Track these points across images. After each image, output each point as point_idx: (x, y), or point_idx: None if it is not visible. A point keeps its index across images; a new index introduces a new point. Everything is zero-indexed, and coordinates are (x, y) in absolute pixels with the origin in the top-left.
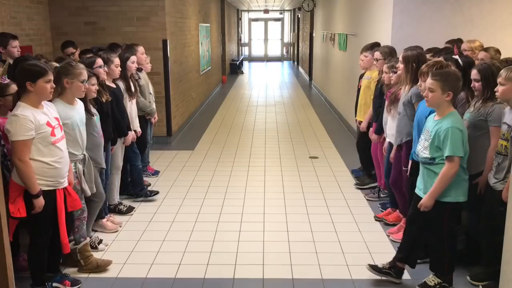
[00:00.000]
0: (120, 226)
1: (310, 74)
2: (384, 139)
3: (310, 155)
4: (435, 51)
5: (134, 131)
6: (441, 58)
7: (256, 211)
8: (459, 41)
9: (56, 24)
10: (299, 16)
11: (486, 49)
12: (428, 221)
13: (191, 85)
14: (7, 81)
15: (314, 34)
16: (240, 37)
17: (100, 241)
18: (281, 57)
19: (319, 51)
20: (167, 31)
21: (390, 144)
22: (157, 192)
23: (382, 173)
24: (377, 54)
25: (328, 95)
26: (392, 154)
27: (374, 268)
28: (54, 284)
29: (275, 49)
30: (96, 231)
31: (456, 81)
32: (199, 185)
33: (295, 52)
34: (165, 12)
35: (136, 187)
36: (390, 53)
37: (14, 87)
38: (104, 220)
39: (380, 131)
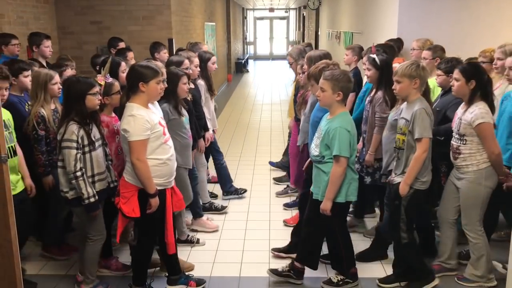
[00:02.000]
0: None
1: None
2: None
3: None
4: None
5: (213, 130)
6: (327, 60)
7: (261, 210)
8: (398, 41)
9: (62, 24)
10: (305, 14)
11: (430, 48)
12: (322, 221)
13: None
14: (110, 79)
15: (319, 33)
16: (246, 35)
17: (197, 240)
18: (287, 56)
19: (325, 49)
20: (173, 30)
21: None
22: (245, 190)
23: (293, 171)
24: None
25: None
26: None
27: (273, 272)
28: (179, 287)
29: (280, 48)
30: (196, 230)
31: (346, 81)
32: None
33: None
34: (171, 11)
35: (224, 185)
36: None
37: (117, 85)
38: (204, 218)
39: None
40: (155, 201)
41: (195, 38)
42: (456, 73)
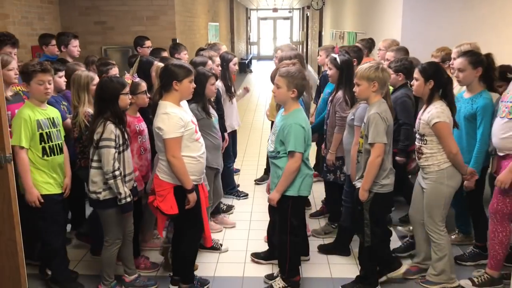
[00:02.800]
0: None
1: (319, 73)
2: None
3: None
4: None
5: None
6: (287, 61)
7: (265, 210)
8: (370, 42)
9: (66, 24)
10: (308, 14)
11: (393, 49)
12: (276, 217)
13: None
14: (137, 79)
15: (323, 33)
16: (249, 36)
17: (221, 245)
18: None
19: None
20: (177, 30)
21: None
22: (246, 194)
23: None
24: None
25: None
26: None
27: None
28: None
29: None
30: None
31: (300, 79)
32: None
33: (304, 50)
34: (175, 11)
35: (227, 186)
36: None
37: (144, 85)
38: (221, 215)
39: None
40: (193, 196)
41: (199, 39)
42: (416, 73)
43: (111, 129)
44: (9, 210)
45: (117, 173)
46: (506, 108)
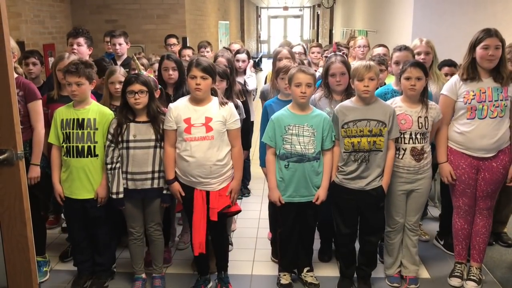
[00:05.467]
0: None
1: None
2: None
3: None
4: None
5: None
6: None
7: None
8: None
9: (77, 22)
10: (319, 12)
11: (381, 45)
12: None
13: None
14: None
15: (334, 31)
16: (259, 34)
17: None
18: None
19: None
20: (187, 28)
21: None
22: (249, 192)
23: None
24: None
25: None
26: None
27: None
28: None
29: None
30: None
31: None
32: None
33: None
34: (185, 9)
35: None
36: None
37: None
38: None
39: None
40: (171, 187)
41: (209, 37)
42: (419, 72)
43: (111, 123)
44: (21, 206)
45: (108, 166)
46: (496, 107)
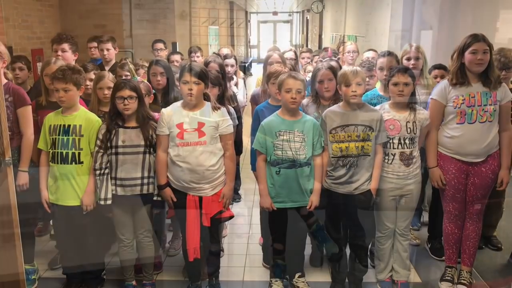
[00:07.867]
0: None
1: None
2: None
3: None
4: None
5: None
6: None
7: None
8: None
9: (66, 27)
10: (308, 18)
11: (371, 49)
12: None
13: None
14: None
15: (323, 36)
16: (249, 39)
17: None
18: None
19: None
20: (177, 33)
21: None
22: (240, 197)
23: None
24: None
25: None
26: None
27: None
28: None
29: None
30: None
31: None
32: None
33: None
34: (174, 14)
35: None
36: None
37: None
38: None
39: None
40: (163, 193)
41: (199, 42)
42: (406, 77)
43: (101, 128)
44: (8, 214)
45: (97, 172)
46: (485, 112)
